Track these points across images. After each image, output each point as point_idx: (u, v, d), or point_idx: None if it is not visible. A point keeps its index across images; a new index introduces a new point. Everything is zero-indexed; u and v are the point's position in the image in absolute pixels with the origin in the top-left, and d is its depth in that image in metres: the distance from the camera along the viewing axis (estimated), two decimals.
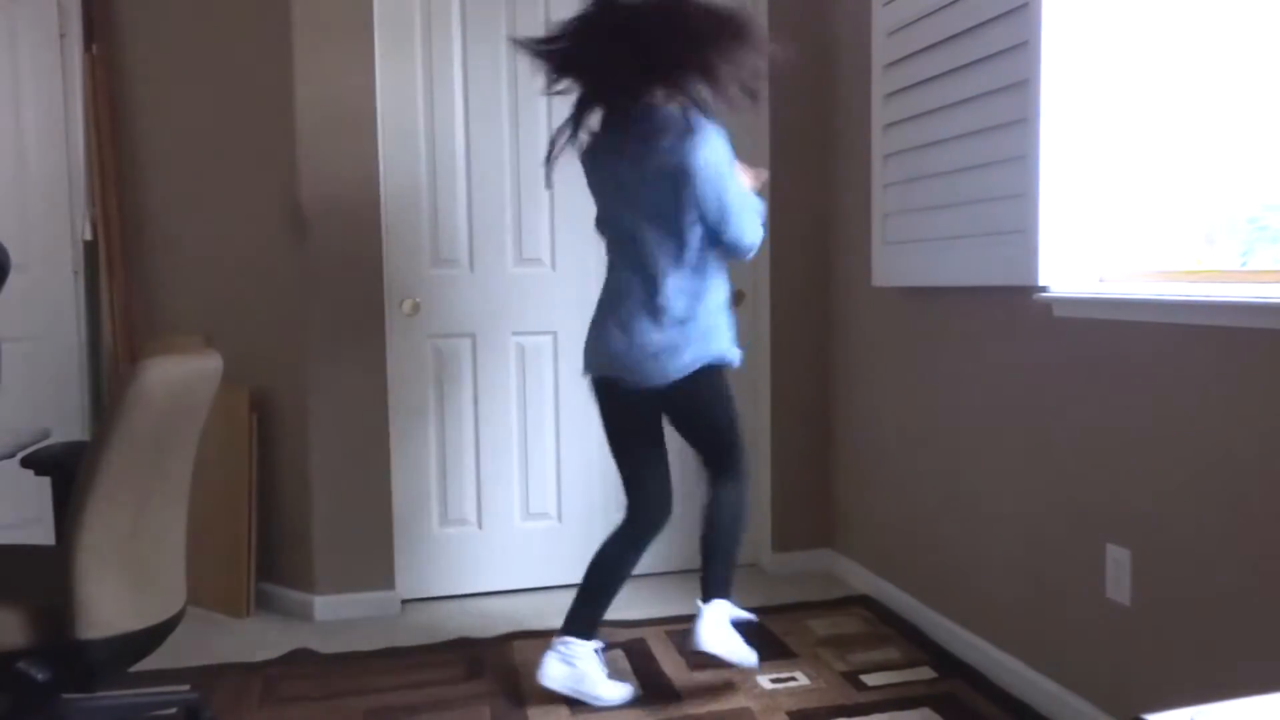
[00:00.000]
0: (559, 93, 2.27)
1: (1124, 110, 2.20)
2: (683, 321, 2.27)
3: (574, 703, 2.38)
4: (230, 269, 3.17)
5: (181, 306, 3.29)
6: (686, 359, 2.28)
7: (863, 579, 3.20)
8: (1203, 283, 1.98)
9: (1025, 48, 2.20)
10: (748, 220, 2.27)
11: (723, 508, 2.42)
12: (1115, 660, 2.09)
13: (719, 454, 2.42)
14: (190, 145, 3.22)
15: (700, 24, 2.10)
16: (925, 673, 2.53)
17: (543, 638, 2.80)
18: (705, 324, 2.29)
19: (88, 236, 3.31)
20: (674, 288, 2.25)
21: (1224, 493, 1.81)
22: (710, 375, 2.32)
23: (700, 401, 2.36)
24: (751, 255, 2.34)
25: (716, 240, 2.27)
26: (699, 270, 2.27)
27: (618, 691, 2.37)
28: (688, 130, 2.17)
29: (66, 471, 1.87)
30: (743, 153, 3.33)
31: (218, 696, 2.42)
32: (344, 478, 3.03)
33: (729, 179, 2.22)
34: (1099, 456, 2.11)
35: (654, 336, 2.26)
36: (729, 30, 2.11)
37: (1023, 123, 2.22)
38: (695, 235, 2.24)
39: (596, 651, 2.38)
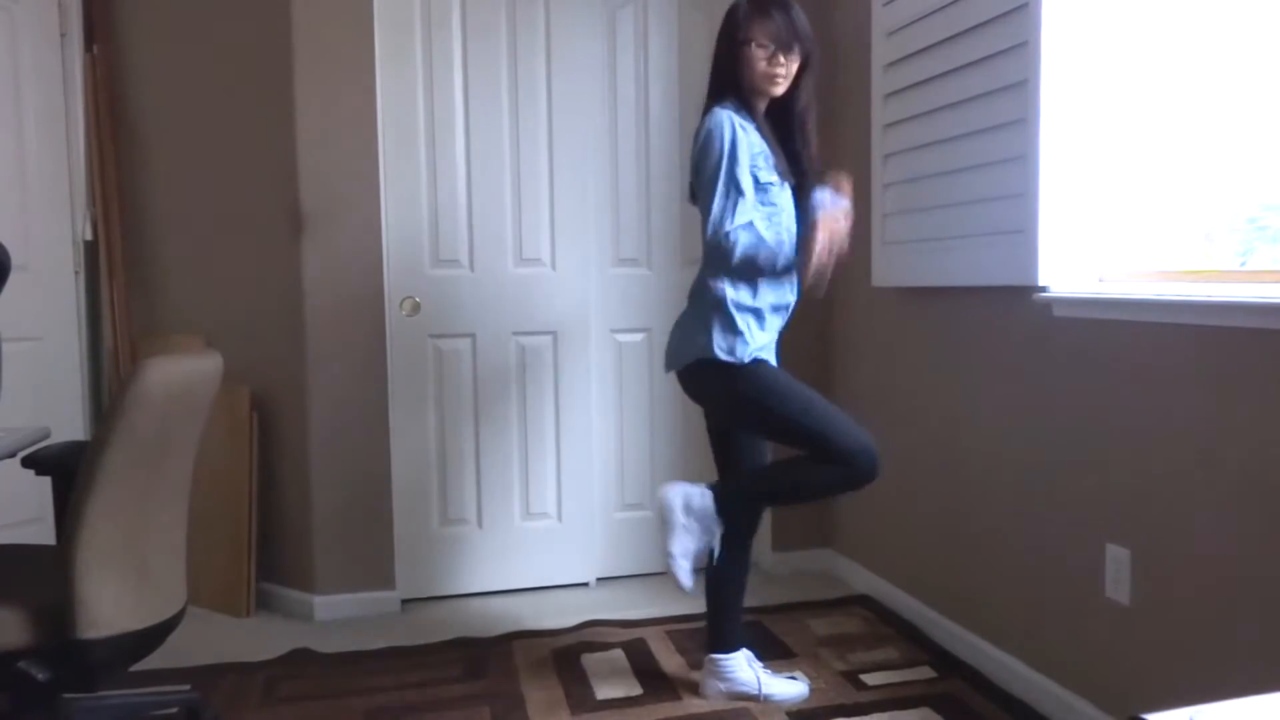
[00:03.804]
0: None
1: (1123, 110, 2.20)
2: (686, 312, 2.31)
3: (575, 703, 2.38)
4: (230, 269, 3.17)
5: (181, 306, 3.29)
6: (671, 351, 2.32)
7: (863, 579, 3.20)
8: (1203, 283, 1.98)
9: (1025, 48, 2.20)
10: (713, 201, 2.13)
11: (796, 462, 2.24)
12: (1115, 660, 2.09)
13: (803, 449, 2.22)
14: (190, 145, 3.22)
15: None
16: (925, 673, 2.53)
17: (543, 638, 2.81)
18: (694, 319, 2.26)
19: (88, 236, 3.31)
20: (697, 275, 2.30)
21: (1224, 492, 1.81)
22: (707, 375, 2.23)
23: (708, 401, 2.33)
24: (715, 243, 2.13)
25: None
26: (707, 259, 2.25)
27: (793, 689, 2.37)
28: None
29: (66, 471, 1.87)
30: None
31: (218, 696, 2.42)
32: (344, 478, 3.03)
33: (710, 157, 2.13)
34: (1099, 456, 2.11)
35: (678, 320, 2.34)
36: None
37: (1022, 123, 2.22)
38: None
39: (749, 660, 2.39)
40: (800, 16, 2.17)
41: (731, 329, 2.19)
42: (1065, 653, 2.24)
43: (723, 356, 2.18)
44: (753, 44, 2.13)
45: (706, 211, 2.15)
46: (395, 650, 2.74)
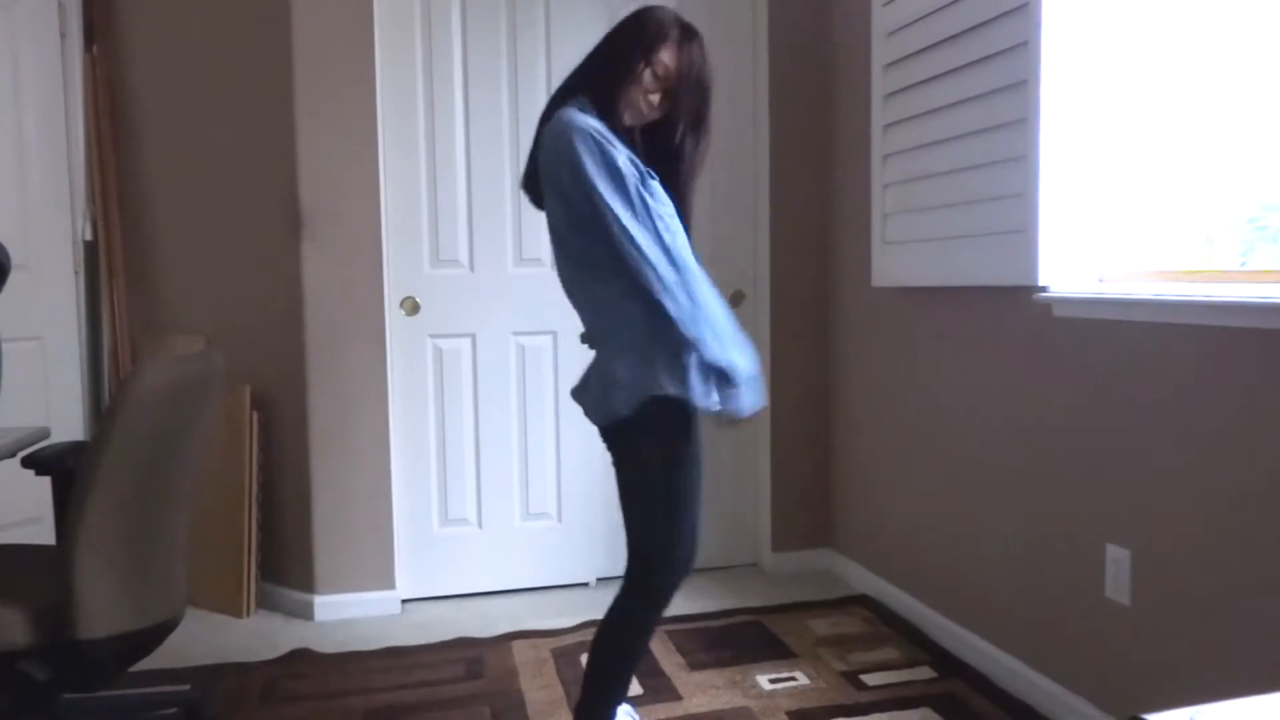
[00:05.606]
0: None
1: (1123, 110, 2.20)
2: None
3: (575, 703, 2.37)
4: (230, 269, 3.17)
5: (181, 306, 3.29)
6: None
7: (863, 579, 3.20)
8: (1203, 283, 1.98)
9: (1025, 48, 2.20)
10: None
11: (605, 619, 1.91)
12: (1115, 660, 2.09)
13: (629, 551, 1.88)
14: (190, 145, 3.22)
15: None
16: (925, 673, 2.53)
17: (543, 637, 2.81)
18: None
19: (88, 236, 3.31)
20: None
21: (1224, 493, 1.81)
22: (614, 434, 1.89)
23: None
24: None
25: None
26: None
27: None
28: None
29: (66, 471, 1.87)
30: (744, 153, 3.35)
31: (218, 696, 2.42)
32: (344, 478, 3.03)
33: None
34: (1099, 456, 2.11)
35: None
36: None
37: (1022, 123, 2.22)
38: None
39: None
40: (707, 65, 1.82)
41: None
42: (1065, 653, 2.24)
43: (674, 391, 1.79)
44: (652, 68, 1.79)
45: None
46: (395, 650, 2.74)
